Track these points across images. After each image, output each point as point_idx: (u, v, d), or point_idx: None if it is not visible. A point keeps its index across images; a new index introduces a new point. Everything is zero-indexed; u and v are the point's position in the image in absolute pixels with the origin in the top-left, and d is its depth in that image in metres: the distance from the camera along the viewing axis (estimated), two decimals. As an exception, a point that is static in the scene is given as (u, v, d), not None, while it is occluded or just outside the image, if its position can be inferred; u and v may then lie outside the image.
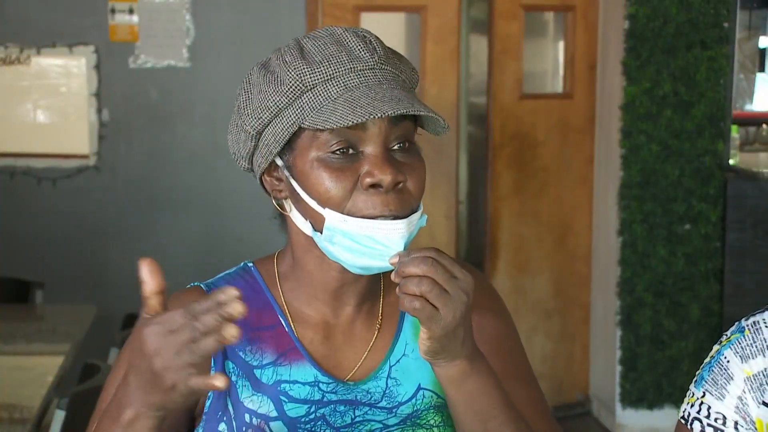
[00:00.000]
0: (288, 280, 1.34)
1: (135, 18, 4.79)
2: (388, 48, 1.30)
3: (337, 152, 1.23)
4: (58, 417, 2.71)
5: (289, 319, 1.33)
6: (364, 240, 1.21)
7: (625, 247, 4.63)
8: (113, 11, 4.77)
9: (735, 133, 4.94)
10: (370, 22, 4.89)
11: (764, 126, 6.23)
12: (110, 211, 4.88)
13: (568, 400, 5.08)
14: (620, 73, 4.59)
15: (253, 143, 1.29)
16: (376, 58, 1.25)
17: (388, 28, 5.12)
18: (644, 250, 4.61)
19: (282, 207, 1.31)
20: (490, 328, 1.38)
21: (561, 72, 5.09)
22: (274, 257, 1.37)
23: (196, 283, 1.36)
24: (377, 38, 1.29)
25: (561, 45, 5.07)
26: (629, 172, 4.59)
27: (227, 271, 1.38)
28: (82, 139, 4.85)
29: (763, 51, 6.68)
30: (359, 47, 1.25)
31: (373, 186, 1.22)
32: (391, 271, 1.18)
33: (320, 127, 1.20)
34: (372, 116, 1.18)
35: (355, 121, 1.18)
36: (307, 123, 1.22)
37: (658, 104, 4.54)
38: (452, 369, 1.20)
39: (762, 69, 6.68)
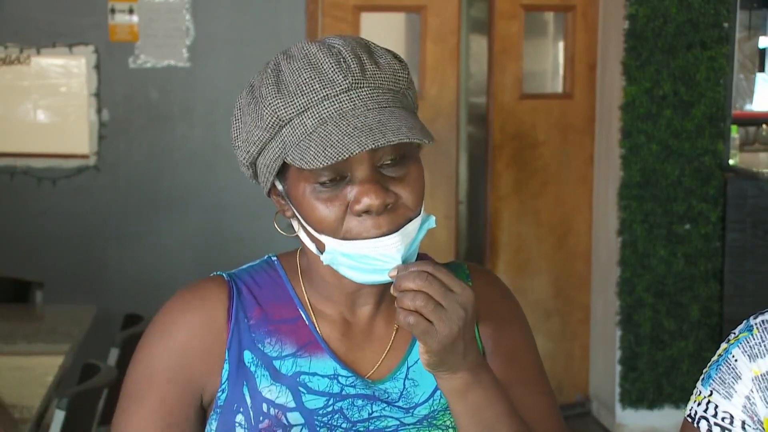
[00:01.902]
0: (308, 277, 1.35)
1: (135, 18, 4.79)
2: (369, 51, 1.25)
3: (325, 182, 1.22)
4: (58, 417, 2.71)
5: (309, 313, 1.33)
6: (363, 258, 1.22)
7: (625, 247, 4.63)
8: (113, 11, 4.77)
9: (735, 133, 4.93)
10: (370, 22, 4.89)
11: (764, 126, 6.23)
12: (110, 211, 4.88)
13: (568, 400, 5.08)
14: (620, 73, 4.59)
15: (251, 170, 1.30)
16: (350, 78, 1.21)
17: (388, 28, 5.12)
18: (644, 250, 4.61)
19: (287, 225, 1.33)
20: (508, 339, 1.38)
21: (561, 72, 5.09)
22: (297, 252, 1.38)
23: (219, 273, 1.36)
24: (353, 48, 1.24)
25: (561, 45, 5.07)
26: (629, 172, 4.59)
27: (251, 263, 1.39)
28: (82, 139, 4.85)
29: (763, 51, 6.67)
30: (332, 69, 1.21)
31: (364, 212, 1.22)
32: None
33: (298, 166, 1.20)
34: (341, 157, 1.16)
35: (326, 163, 1.17)
36: (288, 159, 1.22)
37: (658, 104, 4.54)
38: (454, 381, 1.21)
39: (762, 69, 6.67)
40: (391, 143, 1.17)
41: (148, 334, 1.33)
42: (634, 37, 4.52)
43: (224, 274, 1.35)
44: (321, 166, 1.17)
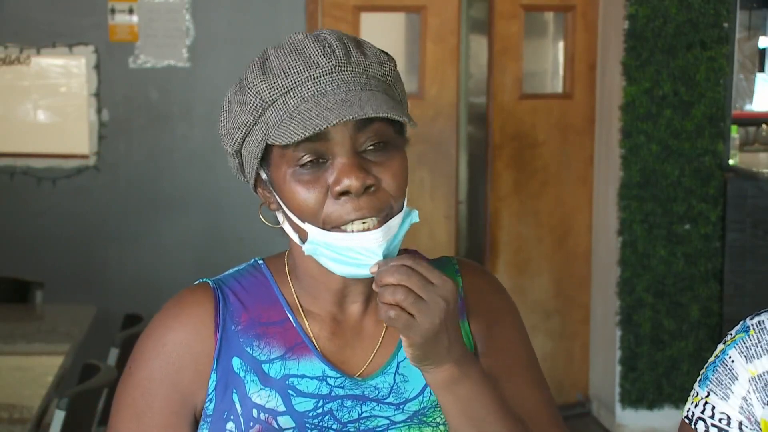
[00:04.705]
0: (296, 277, 1.35)
1: (135, 18, 4.79)
2: (355, 42, 1.27)
3: (306, 165, 1.23)
4: (58, 417, 2.72)
5: (297, 314, 1.33)
6: (345, 251, 1.22)
7: (625, 247, 4.63)
8: (113, 11, 4.78)
9: (735, 133, 4.93)
10: (370, 22, 4.89)
11: (764, 126, 6.23)
12: (110, 211, 4.88)
13: (568, 400, 5.08)
14: (620, 73, 4.59)
15: (237, 160, 1.31)
16: (334, 61, 1.23)
17: (388, 28, 5.12)
18: (644, 250, 4.61)
19: (273, 217, 1.33)
20: (500, 333, 1.38)
21: (561, 72, 5.09)
22: (285, 254, 1.38)
23: (204, 279, 1.36)
24: (340, 37, 1.26)
25: (561, 45, 5.07)
26: (629, 172, 4.59)
27: (236, 268, 1.39)
28: (82, 139, 4.86)
29: (763, 51, 6.68)
30: (316, 52, 1.23)
31: (344, 193, 1.22)
32: None
33: (278, 144, 1.21)
34: (319, 128, 1.17)
35: (304, 135, 1.17)
36: (270, 139, 1.23)
37: (658, 104, 4.54)
38: (440, 374, 1.21)
39: (762, 69, 6.68)
40: (369, 116, 1.18)
41: (139, 352, 1.33)
42: (634, 37, 4.52)
43: (210, 281, 1.35)
44: (299, 138, 1.18)
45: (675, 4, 4.48)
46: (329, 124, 1.17)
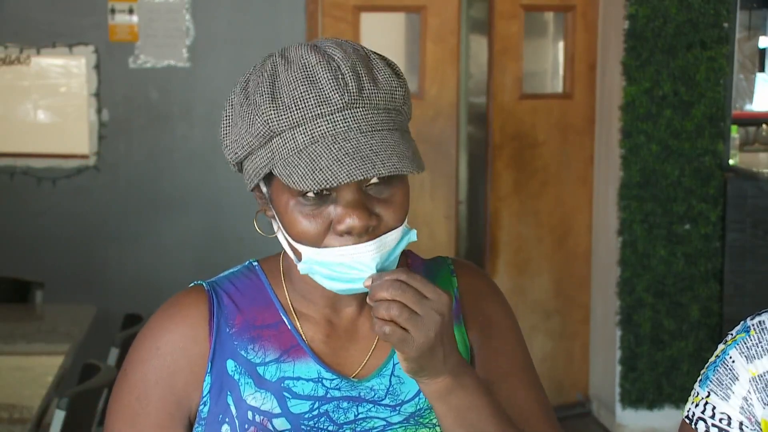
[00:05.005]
0: (290, 280, 1.35)
1: (135, 18, 4.79)
2: (368, 67, 1.24)
3: (310, 197, 1.22)
4: (58, 417, 2.72)
5: (292, 317, 1.33)
6: (339, 267, 1.22)
7: (625, 247, 4.63)
8: (113, 11, 4.78)
9: (735, 133, 4.93)
10: (370, 22, 4.89)
11: (764, 126, 6.23)
12: (110, 211, 4.88)
13: (568, 400, 5.08)
14: (620, 73, 4.59)
15: (236, 168, 1.31)
16: (347, 98, 1.20)
17: (388, 28, 5.12)
18: (644, 250, 4.61)
19: (268, 225, 1.33)
20: (495, 334, 1.38)
21: (561, 72, 5.09)
22: (280, 255, 1.38)
23: (198, 282, 1.36)
24: (353, 64, 1.22)
25: (561, 45, 5.07)
26: (629, 172, 4.59)
27: (231, 270, 1.39)
28: (82, 139, 4.86)
29: (763, 51, 6.68)
30: (329, 86, 1.20)
31: (346, 232, 1.22)
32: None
33: (285, 183, 1.20)
34: (329, 184, 1.16)
35: (314, 188, 1.17)
36: (275, 171, 1.22)
37: (658, 104, 4.54)
38: (436, 385, 1.21)
39: (762, 69, 6.68)
40: (380, 175, 1.17)
41: (134, 354, 1.33)
42: (634, 37, 4.52)
43: (204, 284, 1.35)
44: (308, 189, 1.17)
45: (675, 4, 4.48)
46: (339, 182, 1.16)
